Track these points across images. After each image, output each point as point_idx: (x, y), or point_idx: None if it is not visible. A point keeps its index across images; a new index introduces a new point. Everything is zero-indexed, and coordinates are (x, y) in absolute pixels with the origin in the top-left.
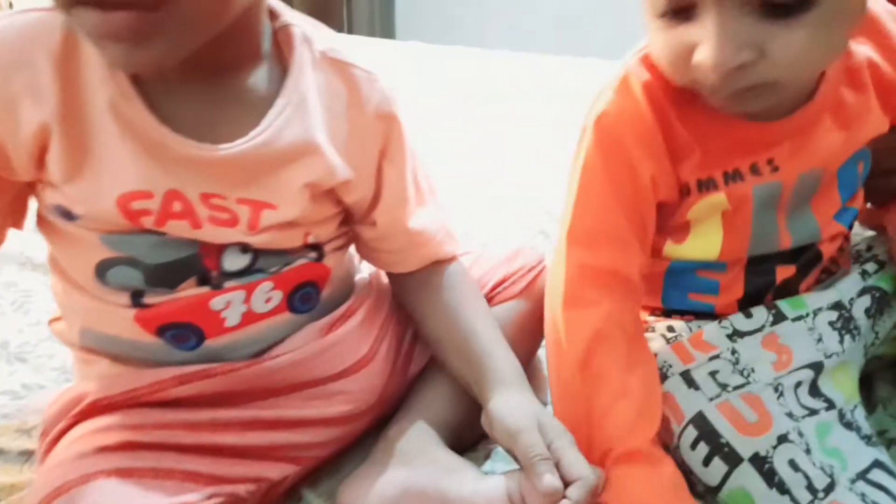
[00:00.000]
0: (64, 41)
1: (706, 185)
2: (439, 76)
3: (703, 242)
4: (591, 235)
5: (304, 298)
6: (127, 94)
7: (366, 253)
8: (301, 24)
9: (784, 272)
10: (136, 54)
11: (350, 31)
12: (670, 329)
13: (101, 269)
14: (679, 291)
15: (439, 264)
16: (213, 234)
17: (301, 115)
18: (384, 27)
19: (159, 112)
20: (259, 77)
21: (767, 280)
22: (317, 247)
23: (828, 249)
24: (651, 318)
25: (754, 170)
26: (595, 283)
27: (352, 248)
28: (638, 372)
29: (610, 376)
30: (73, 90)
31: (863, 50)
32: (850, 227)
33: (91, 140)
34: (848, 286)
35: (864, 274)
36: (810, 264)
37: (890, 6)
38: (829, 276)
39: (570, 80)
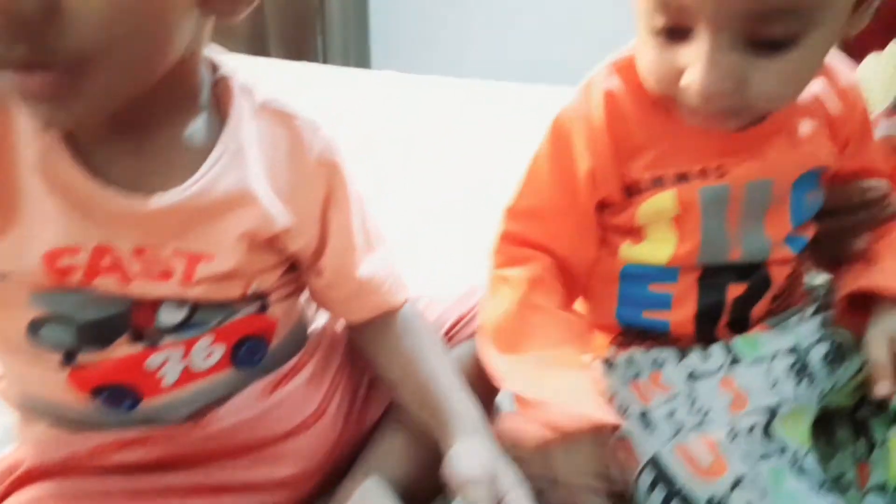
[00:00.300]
0: None
1: (657, 183)
2: (414, 105)
3: (657, 245)
4: (529, 212)
5: (250, 352)
6: (55, 149)
7: (318, 301)
8: (241, 75)
9: (735, 290)
10: (59, 114)
11: (325, 61)
12: (629, 363)
13: (33, 329)
14: (633, 307)
15: (393, 311)
16: (144, 289)
17: (238, 164)
18: (359, 56)
19: (90, 165)
20: (196, 128)
21: (719, 297)
22: (260, 297)
23: (777, 274)
24: (609, 351)
25: (703, 173)
26: (529, 249)
27: (306, 296)
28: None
29: (549, 308)
30: (1, 146)
31: (812, 86)
32: (801, 257)
33: (18, 197)
34: (806, 331)
35: (824, 321)
36: (760, 287)
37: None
38: (783, 308)
39: (546, 108)
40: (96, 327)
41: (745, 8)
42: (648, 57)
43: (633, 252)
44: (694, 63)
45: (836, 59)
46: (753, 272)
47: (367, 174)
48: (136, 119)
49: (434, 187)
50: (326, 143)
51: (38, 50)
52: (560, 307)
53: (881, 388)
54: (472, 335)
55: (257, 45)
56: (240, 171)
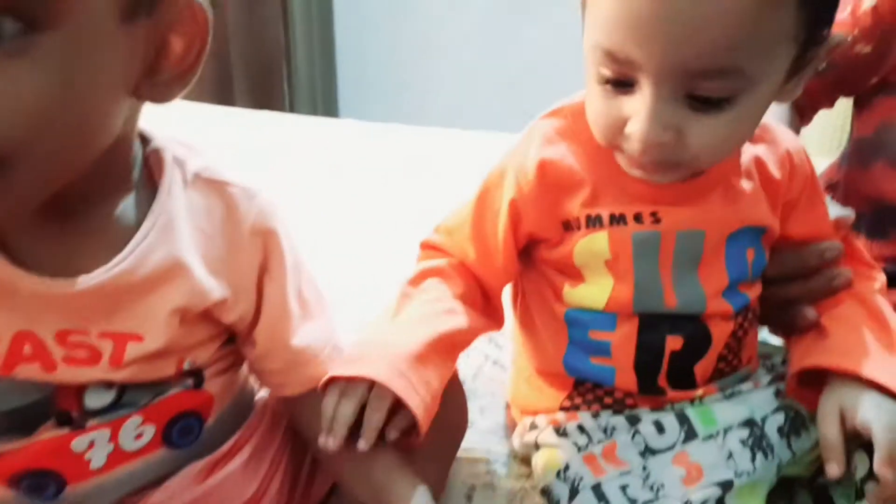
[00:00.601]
0: None
1: (593, 222)
2: (378, 154)
3: (594, 289)
4: (448, 230)
5: (184, 431)
6: None
7: (255, 373)
8: (174, 146)
9: (673, 342)
10: None
11: (292, 109)
12: (581, 430)
13: None
14: (579, 353)
15: None
16: (70, 375)
17: (168, 237)
18: (326, 105)
19: (11, 250)
20: (125, 205)
21: (657, 349)
22: (195, 373)
23: (718, 331)
24: (560, 416)
25: (637, 218)
26: (443, 254)
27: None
28: (463, 307)
29: (432, 290)
30: None
31: (753, 148)
32: (745, 317)
33: None
34: (760, 402)
35: (778, 392)
36: (700, 342)
37: (777, 112)
38: (731, 369)
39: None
40: (18, 415)
41: (686, 65)
42: (595, 105)
43: (573, 295)
44: (637, 113)
45: (778, 123)
46: (691, 325)
47: (331, 221)
48: (61, 203)
49: (397, 234)
50: (262, 210)
51: None
52: (455, 295)
53: (832, 469)
54: None
55: (222, 93)
56: (169, 244)
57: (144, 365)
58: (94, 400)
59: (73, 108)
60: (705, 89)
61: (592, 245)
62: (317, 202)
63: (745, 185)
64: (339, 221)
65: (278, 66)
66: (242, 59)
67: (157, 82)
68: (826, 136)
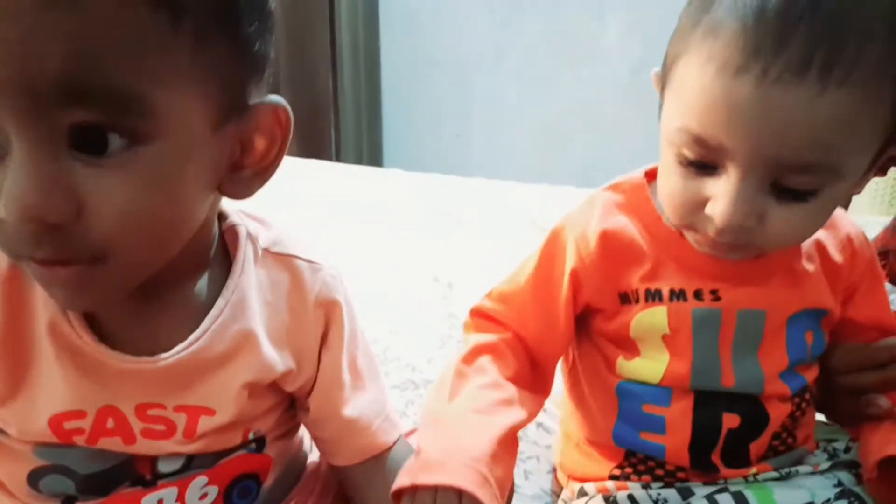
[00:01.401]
0: (10, 264)
1: (653, 296)
2: (421, 202)
3: (649, 363)
4: (503, 296)
5: (243, 492)
6: (67, 315)
7: (312, 439)
8: (247, 221)
9: (730, 420)
10: (80, 298)
11: (338, 158)
12: (631, 500)
13: (34, 478)
14: (630, 427)
15: (380, 457)
16: (146, 447)
17: (240, 314)
18: (372, 154)
19: (98, 330)
20: (202, 281)
21: (714, 426)
22: (258, 439)
23: (776, 412)
24: (610, 485)
25: (697, 294)
26: (496, 325)
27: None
28: (517, 391)
29: (487, 370)
30: (15, 312)
31: (818, 232)
32: (802, 398)
33: (28, 362)
34: (821, 487)
35: (839, 483)
36: (757, 421)
37: None
38: (786, 448)
39: (544, 207)
40: (97, 478)
41: (779, 158)
42: (672, 183)
43: (627, 367)
44: (720, 196)
45: (839, 211)
46: (749, 404)
47: (368, 267)
48: (145, 284)
49: (436, 283)
50: (326, 283)
51: (62, 249)
52: (504, 377)
53: None
54: None
55: None
56: (242, 320)
57: (215, 437)
58: (167, 466)
59: (166, 210)
60: (793, 182)
61: (651, 319)
62: (357, 248)
63: (807, 267)
64: (377, 268)
65: (326, 115)
66: (292, 107)
67: (239, 178)
68: (878, 197)
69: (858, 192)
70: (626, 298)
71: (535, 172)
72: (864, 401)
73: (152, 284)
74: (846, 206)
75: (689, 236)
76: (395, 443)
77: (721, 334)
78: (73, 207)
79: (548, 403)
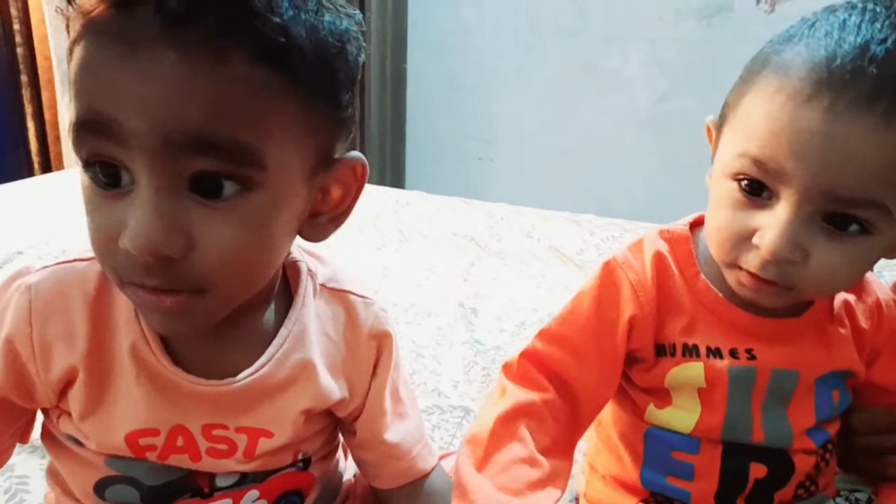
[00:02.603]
0: (98, 288)
1: (690, 352)
2: (444, 226)
3: (681, 413)
4: (558, 338)
5: None
6: (147, 339)
7: (355, 461)
8: (307, 258)
9: (757, 470)
10: (180, 325)
11: None
12: None
13: (101, 487)
14: (657, 471)
15: (419, 482)
16: (210, 465)
17: (301, 344)
18: (395, 174)
19: (173, 354)
20: (269, 313)
21: (741, 475)
22: (306, 459)
23: (802, 463)
24: None
25: (733, 353)
26: (545, 373)
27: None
28: (552, 464)
29: (525, 441)
30: (101, 334)
31: (844, 294)
32: (826, 450)
33: (110, 381)
34: None
35: None
36: (784, 472)
37: None
38: (809, 495)
39: (565, 236)
40: (162, 490)
41: (835, 188)
42: (722, 216)
43: (658, 416)
44: (770, 226)
45: (870, 274)
46: (776, 456)
47: (391, 291)
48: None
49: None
50: (378, 316)
51: (171, 280)
52: (541, 448)
53: None
54: None
55: None
56: (303, 350)
57: (270, 457)
58: (224, 481)
59: (263, 250)
60: (848, 213)
61: (687, 374)
62: (381, 268)
63: (838, 329)
64: (394, 289)
65: (352, 136)
66: None
67: (317, 223)
68: None
69: (893, 257)
70: (662, 350)
71: (555, 199)
72: (883, 462)
73: (227, 317)
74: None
75: (731, 277)
76: (433, 469)
77: (754, 392)
78: (187, 244)
79: None
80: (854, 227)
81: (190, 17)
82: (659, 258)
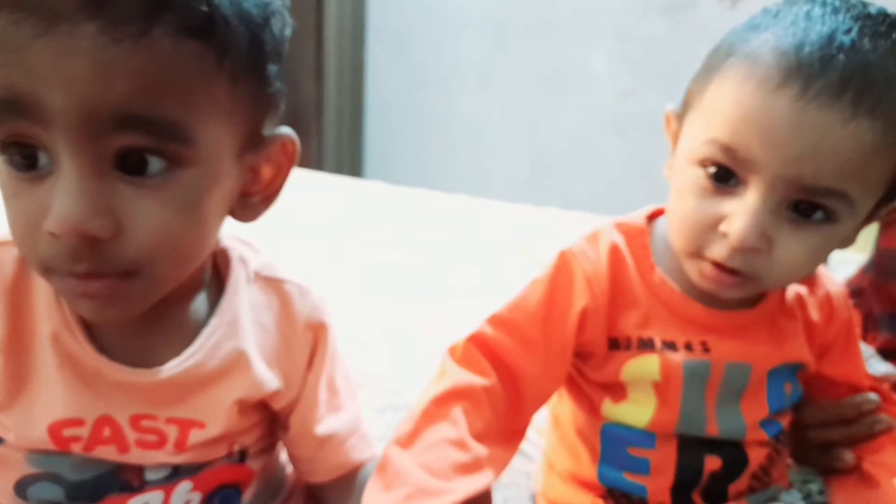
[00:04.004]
0: (16, 274)
1: (645, 345)
2: (399, 216)
3: (637, 408)
4: (507, 324)
5: (224, 501)
6: (70, 326)
7: (289, 458)
8: (238, 246)
9: (712, 463)
10: (108, 311)
11: (319, 168)
12: None
13: (21, 486)
14: (614, 467)
15: (352, 474)
16: (139, 457)
17: (233, 333)
18: (352, 166)
19: (97, 341)
20: (198, 301)
21: (696, 468)
22: (242, 452)
23: (755, 455)
24: None
25: (688, 347)
26: (490, 359)
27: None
28: (485, 450)
29: (457, 424)
30: (19, 321)
31: (796, 287)
32: (777, 440)
33: (31, 370)
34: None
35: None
36: (738, 464)
37: None
38: (762, 486)
39: (527, 229)
40: (88, 486)
41: (802, 177)
42: (687, 205)
43: (613, 411)
44: (739, 213)
45: (822, 268)
46: (730, 449)
47: (348, 283)
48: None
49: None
50: (314, 306)
51: (99, 263)
52: (474, 432)
53: None
54: None
55: None
56: (235, 339)
57: (202, 449)
58: (154, 474)
59: (194, 230)
60: (809, 206)
61: (643, 367)
62: (336, 260)
63: (789, 323)
64: (355, 280)
65: (308, 125)
66: None
67: (248, 204)
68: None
69: (849, 245)
70: (616, 344)
71: (519, 194)
72: (832, 454)
73: (156, 300)
74: None
75: (692, 268)
76: (368, 460)
77: (708, 385)
78: (115, 225)
79: (529, 431)
80: (818, 216)
81: None
82: (614, 250)
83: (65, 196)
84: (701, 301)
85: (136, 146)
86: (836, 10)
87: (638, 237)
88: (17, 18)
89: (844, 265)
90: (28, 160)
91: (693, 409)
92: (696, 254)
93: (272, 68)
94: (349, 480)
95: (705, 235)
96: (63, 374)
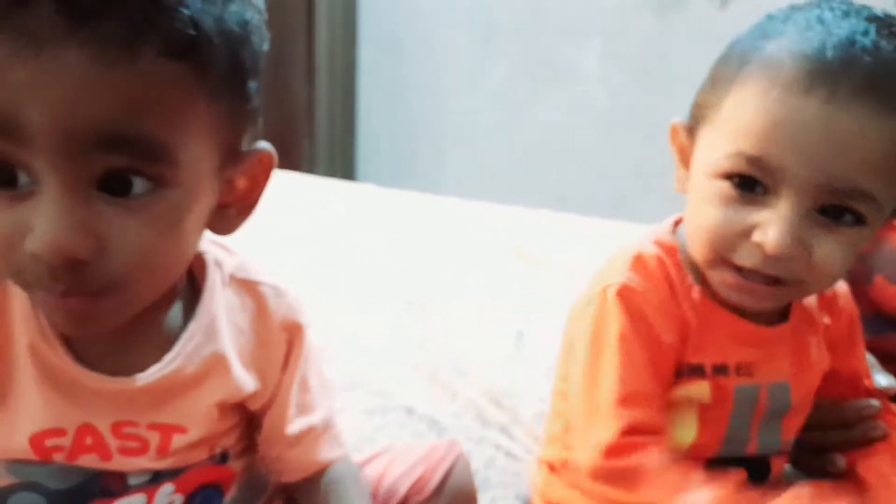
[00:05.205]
0: None
1: (695, 371)
2: (391, 219)
3: (678, 431)
4: (637, 398)
5: (205, 501)
6: (47, 337)
7: (263, 460)
8: (213, 249)
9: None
10: (85, 326)
11: (311, 170)
12: None
13: (1, 496)
14: None
15: (322, 472)
16: (122, 464)
17: (211, 337)
18: (344, 167)
19: (75, 350)
20: (174, 307)
21: None
22: (223, 454)
23: (777, 466)
24: None
25: (738, 370)
26: (644, 436)
27: None
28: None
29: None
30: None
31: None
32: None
33: (10, 381)
34: None
35: None
36: (759, 475)
37: None
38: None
39: (520, 231)
40: (69, 494)
41: (833, 182)
42: (711, 216)
43: None
44: (772, 221)
45: None
46: (756, 462)
47: (339, 286)
48: None
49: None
50: (290, 307)
51: (77, 282)
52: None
53: None
54: (428, 498)
55: None
56: (213, 342)
57: (184, 453)
58: (136, 479)
59: (175, 248)
60: (841, 209)
61: (693, 392)
62: (327, 262)
63: (811, 333)
64: (346, 283)
65: (300, 126)
66: (267, 114)
67: (225, 216)
68: None
69: (870, 248)
70: (679, 371)
71: (510, 195)
72: (824, 458)
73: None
74: None
75: (715, 277)
76: (336, 460)
77: (756, 409)
78: (98, 245)
79: (517, 431)
80: (847, 219)
81: (97, 11)
82: (667, 276)
83: (49, 218)
84: (743, 316)
85: (120, 167)
86: (846, 14)
87: (673, 254)
88: (1, 39)
89: None
90: (7, 178)
91: (738, 434)
92: (719, 261)
93: (252, 84)
94: (318, 477)
95: (735, 245)
96: (42, 384)
